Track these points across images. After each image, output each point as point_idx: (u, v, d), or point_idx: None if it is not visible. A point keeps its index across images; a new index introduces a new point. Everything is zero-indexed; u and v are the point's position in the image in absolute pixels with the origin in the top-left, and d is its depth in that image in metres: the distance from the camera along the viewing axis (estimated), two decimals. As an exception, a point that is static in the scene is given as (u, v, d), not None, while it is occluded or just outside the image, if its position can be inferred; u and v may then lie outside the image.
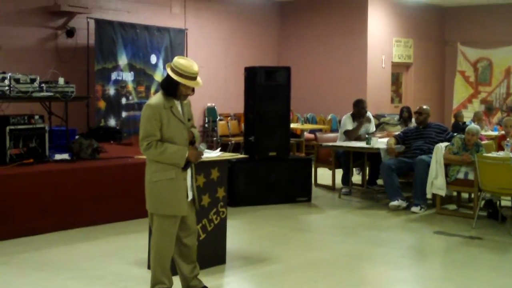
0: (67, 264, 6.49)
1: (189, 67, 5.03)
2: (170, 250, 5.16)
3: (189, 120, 5.22)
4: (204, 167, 6.00)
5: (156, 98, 5.10)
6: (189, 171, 5.19)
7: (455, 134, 9.76)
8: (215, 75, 15.01)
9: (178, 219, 5.12)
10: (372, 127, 11.25)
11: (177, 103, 5.11)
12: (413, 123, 11.11)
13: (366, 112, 11.09)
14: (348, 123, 11.07)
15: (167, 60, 13.87)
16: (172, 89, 5.05)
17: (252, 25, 16.77)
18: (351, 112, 11.19)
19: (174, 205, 5.05)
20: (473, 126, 9.31)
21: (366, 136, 10.54)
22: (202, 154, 5.21)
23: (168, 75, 5.06)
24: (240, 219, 8.64)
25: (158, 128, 4.98)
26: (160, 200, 5.06)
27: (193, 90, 5.14)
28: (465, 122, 12.95)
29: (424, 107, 10.18)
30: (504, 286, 6.02)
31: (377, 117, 13.50)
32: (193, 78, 5.04)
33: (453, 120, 14.43)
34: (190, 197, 5.21)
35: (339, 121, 15.60)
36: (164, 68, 13.69)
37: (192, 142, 5.19)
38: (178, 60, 5.07)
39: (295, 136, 14.72)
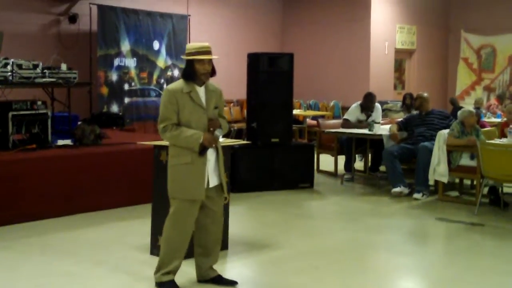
0: (70, 249, 6.51)
1: (198, 44, 5.12)
2: (183, 236, 5.15)
3: (216, 108, 5.22)
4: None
5: (175, 83, 5.18)
6: (213, 156, 5.18)
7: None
8: (218, 61, 14.96)
9: (196, 204, 5.10)
10: (378, 118, 11.24)
11: (199, 89, 5.12)
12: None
13: (374, 106, 11.13)
14: (354, 112, 11.09)
15: (170, 46, 13.86)
16: (189, 71, 5.10)
17: (255, 11, 16.73)
18: (360, 102, 11.19)
19: (189, 189, 5.05)
20: (464, 109, 9.40)
21: (369, 123, 10.54)
22: (218, 140, 5.18)
23: (185, 63, 5.15)
24: (243, 205, 8.65)
25: (175, 112, 5.02)
26: (176, 184, 5.10)
27: (213, 71, 5.16)
28: (462, 107, 12.93)
29: (421, 93, 10.28)
30: (506, 273, 6.03)
31: (379, 103, 13.47)
32: (205, 52, 5.08)
33: (451, 106, 14.40)
34: (213, 183, 5.18)
35: (342, 108, 15.65)
36: (167, 53, 13.79)
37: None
38: (187, 45, 5.19)
39: (298, 122, 14.73)
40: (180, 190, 5.09)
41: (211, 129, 5.10)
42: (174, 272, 5.21)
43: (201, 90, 5.14)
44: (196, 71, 5.07)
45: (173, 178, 5.12)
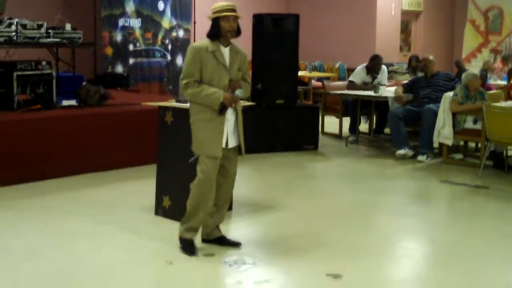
0: (74, 209, 6.54)
1: (223, 3, 5.09)
2: (210, 192, 5.16)
3: (239, 70, 5.22)
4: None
5: (201, 40, 5.19)
6: (233, 117, 5.21)
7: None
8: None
9: (216, 161, 5.12)
10: (384, 80, 11.19)
11: (224, 49, 5.12)
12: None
13: (380, 68, 11.07)
14: (358, 75, 11.05)
15: (175, 7, 13.76)
16: (214, 29, 5.08)
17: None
18: (366, 64, 11.13)
19: (208, 146, 5.08)
20: (468, 72, 9.33)
21: (374, 85, 10.49)
22: (238, 100, 5.18)
23: (211, 23, 5.11)
24: (247, 166, 8.65)
25: (198, 69, 5.03)
26: (197, 141, 5.13)
27: (239, 30, 5.12)
28: (467, 69, 12.83)
29: (427, 55, 10.26)
30: (509, 235, 6.04)
31: (385, 65, 13.41)
32: (230, 10, 5.06)
33: (456, 69, 14.32)
34: (231, 144, 5.21)
35: (348, 69, 15.57)
36: (171, 14, 13.69)
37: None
38: (213, 5, 5.12)
39: (303, 84, 14.68)
40: (199, 147, 5.12)
41: (231, 89, 5.10)
42: (196, 229, 5.26)
43: (225, 51, 5.14)
44: (221, 28, 5.05)
45: (194, 134, 5.15)
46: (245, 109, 9.25)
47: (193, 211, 5.18)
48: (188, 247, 5.23)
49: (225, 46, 5.14)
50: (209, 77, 5.05)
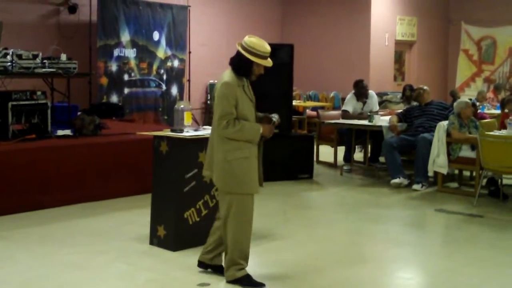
0: (69, 239, 6.52)
1: (262, 46, 5.05)
2: (249, 230, 5.16)
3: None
4: (206, 143, 5.99)
5: (229, 76, 5.08)
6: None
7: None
8: (218, 52, 14.95)
9: (253, 197, 5.15)
10: (375, 106, 11.26)
11: (247, 83, 5.15)
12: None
13: (367, 91, 11.15)
14: (349, 103, 11.12)
15: (170, 37, 13.82)
16: (245, 68, 5.07)
17: (255, 1, 16.70)
18: (353, 91, 11.22)
19: (249, 183, 5.08)
20: (460, 100, 9.41)
21: (369, 114, 10.53)
22: (275, 127, 5.22)
23: (239, 54, 5.06)
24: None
25: (234, 106, 4.98)
26: (237, 179, 5.05)
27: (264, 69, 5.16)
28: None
29: (421, 85, 10.34)
30: (505, 264, 6.03)
31: (379, 95, 13.48)
32: (266, 57, 5.08)
33: (451, 98, 14.39)
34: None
35: (342, 99, 15.62)
36: (166, 44, 13.76)
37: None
38: (250, 39, 5.06)
39: (298, 113, 14.71)
40: (241, 185, 5.06)
41: (266, 120, 5.17)
42: (246, 260, 5.20)
43: (246, 83, 5.17)
44: (252, 71, 5.08)
45: (232, 173, 5.04)
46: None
47: (238, 254, 5.13)
48: (252, 283, 5.16)
49: (247, 79, 5.17)
50: (244, 113, 5.03)
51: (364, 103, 11.09)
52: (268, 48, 5.08)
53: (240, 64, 5.07)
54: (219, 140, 5.07)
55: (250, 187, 5.10)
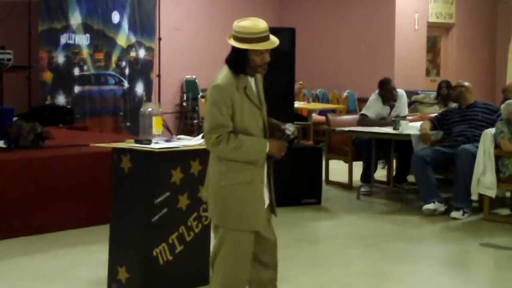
0: (3, 285, 6.49)
1: (253, 27, 4.87)
2: (244, 274, 5.01)
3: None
4: (181, 158, 6.00)
5: (224, 76, 4.88)
6: (265, 168, 5.04)
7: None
8: (196, 39, 14.99)
9: (254, 234, 4.94)
10: (404, 109, 11.24)
11: (252, 82, 4.98)
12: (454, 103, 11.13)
13: (395, 94, 11.06)
14: (373, 106, 11.01)
15: (134, 19, 13.84)
16: (240, 62, 4.88)
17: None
18: (378, 91, 11.15)
19: (248, 216, 4.88)
20: (508, 102, 9.35)
21: (393, 119, 10.51)
22: (288, 142, 5.07)
23: (232, 48, 4.90)
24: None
25: (230, 116, 4.78)
26: (232, 210, 4.87)
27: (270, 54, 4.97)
28: None
29: (461, 81, 10.32)
30: None
31: (408, 94, 13.51)
32: (263, 38, 4.89)
33: (501, 98, 14.44)
34: (267, 203, 5.05)
35: (358, 100, 15.67)
36: (129, 28, 13.77)
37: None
38: (238, 24, 4.89)
39: (301, 118, 14.74)
40: (237, 218, 4.86)
41: (279, 133, 5.01)
42: None
43: (252, 82, 5.00)
44: (250, 62, 4.88)
45: (226, 202, 4.87)
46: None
47: None
48: None
49: (252, 76, 4.98)
50: (244, 125, 4.84)
51: (392, 106, 11.04)
52: (263, 26, 4.89)
53: (235, 58, 4.91)
54: (213, 157, 4.94)
55: (249, 222, 4.88)
